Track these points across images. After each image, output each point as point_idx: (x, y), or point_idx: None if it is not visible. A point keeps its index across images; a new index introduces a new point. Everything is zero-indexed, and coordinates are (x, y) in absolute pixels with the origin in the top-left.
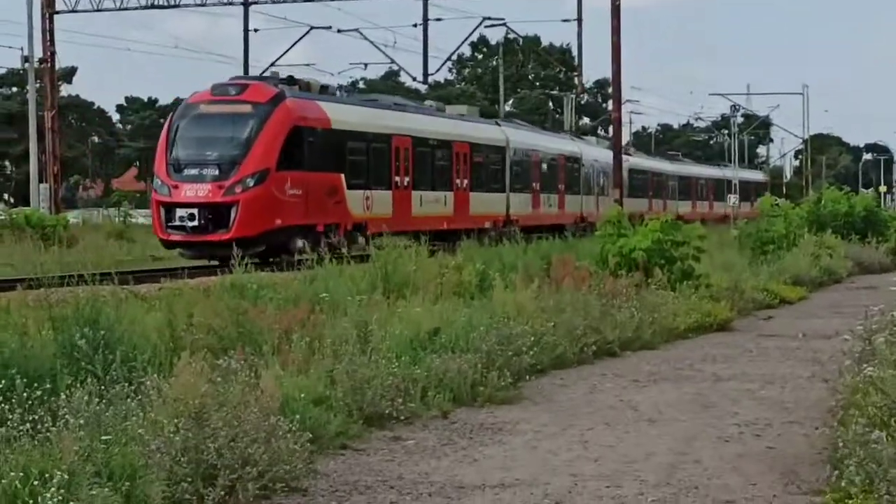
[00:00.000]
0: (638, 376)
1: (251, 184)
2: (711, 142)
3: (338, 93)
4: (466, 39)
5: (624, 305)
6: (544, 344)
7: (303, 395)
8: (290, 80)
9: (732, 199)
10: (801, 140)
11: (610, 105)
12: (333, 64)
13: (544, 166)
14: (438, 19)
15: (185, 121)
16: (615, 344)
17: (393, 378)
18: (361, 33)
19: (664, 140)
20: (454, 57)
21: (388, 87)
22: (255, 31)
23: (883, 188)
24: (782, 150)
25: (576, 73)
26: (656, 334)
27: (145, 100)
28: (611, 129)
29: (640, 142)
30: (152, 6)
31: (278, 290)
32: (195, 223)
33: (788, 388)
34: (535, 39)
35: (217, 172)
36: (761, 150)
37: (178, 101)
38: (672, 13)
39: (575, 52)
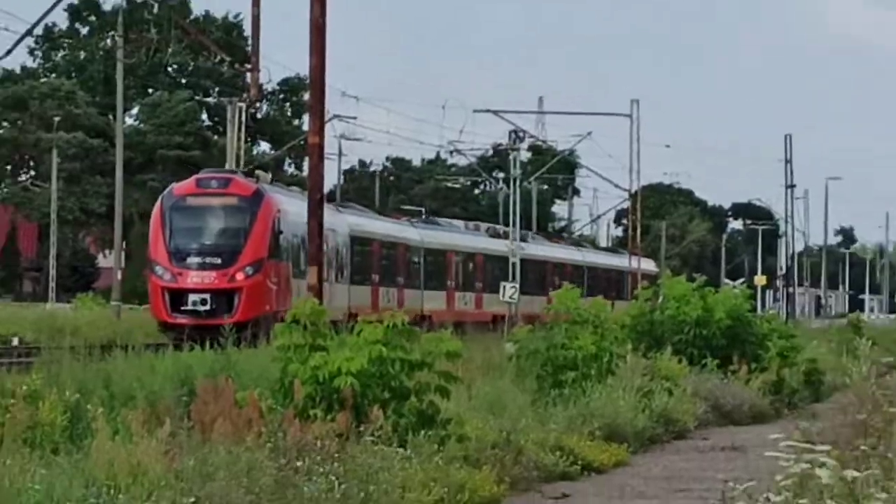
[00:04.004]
0: None
1: (251, 272)
2: (477, 191)
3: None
4: (60, 1)
5: (318, 470)
6: None
7: None
8: (250, 173)
9: (510, 288)
10: (626, 193)
11: (305, 122)
12: None
13: None
14: None
15: (177, 211)
16: None
17: None
18: None
19: (398, 185)
20: (39, 31)
21: None
22: None
23: (761, 279)
24: (595, 210)
25: (248, 67)
26: None
27: None
28: (307, 163)
29: (359, 187)
30: None
31: None
32: (207, 308)
33: None
34: (181, 5)
35: (219, 261)
36: (560, 207)
37: None
38: None
39: (248, 30)
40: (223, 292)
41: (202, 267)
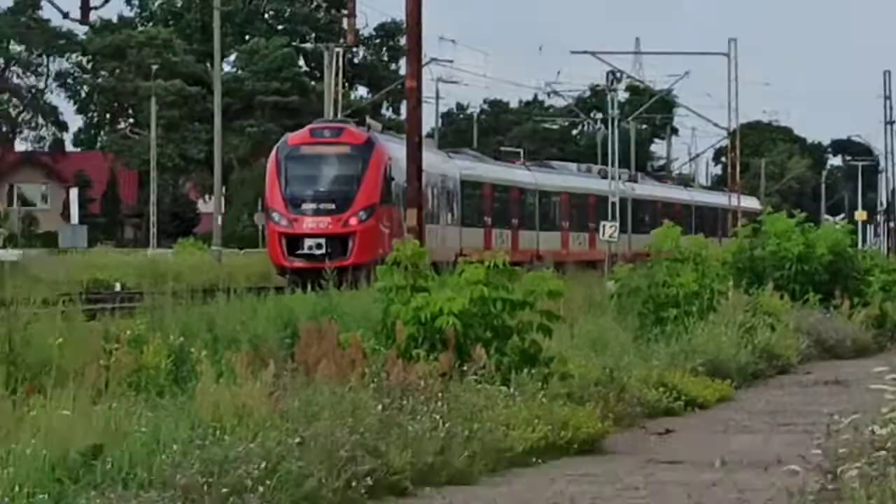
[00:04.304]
0: None
1: (364, 217)
2: (575, 132)
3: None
4: None
5: (422, 409)
6: (284, 474)
7: None
8: (360, 122)
9: (609, 227)
10: (725, 132)
11: (402, 67)
12: None
13: None
14: None
15: (292, 160)
16: (405, 475)
17: None
18: None
19: (495, 127)
20: None
21: (18, 28)
22: None
23: (861, 214)
24: (694, 149)
25: (345, 12)
26: (476, 459)
27: None
28: (404, 107)
29: (457, 130)
30: None
31: None
32: (322, 251)
33: None
34: None
35: (333, 207)
36: (658, 146)
37: None
38: None
39: None
40: (338, 237)
41: (317, 213)
